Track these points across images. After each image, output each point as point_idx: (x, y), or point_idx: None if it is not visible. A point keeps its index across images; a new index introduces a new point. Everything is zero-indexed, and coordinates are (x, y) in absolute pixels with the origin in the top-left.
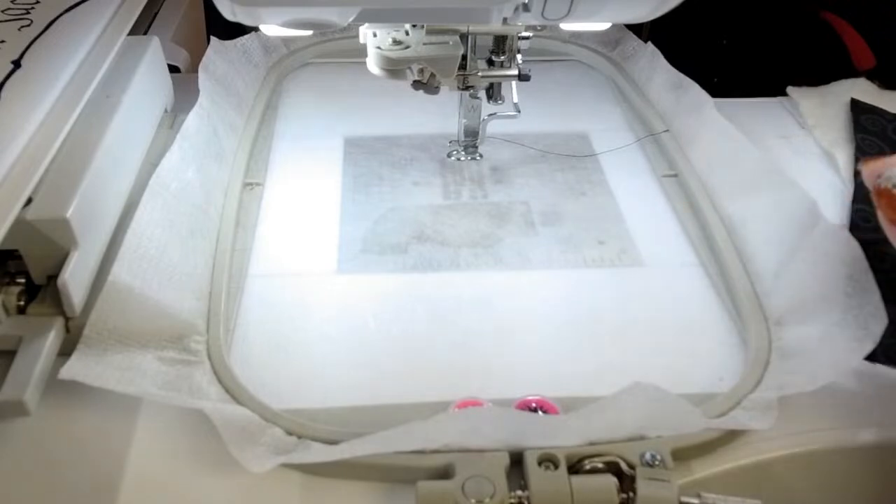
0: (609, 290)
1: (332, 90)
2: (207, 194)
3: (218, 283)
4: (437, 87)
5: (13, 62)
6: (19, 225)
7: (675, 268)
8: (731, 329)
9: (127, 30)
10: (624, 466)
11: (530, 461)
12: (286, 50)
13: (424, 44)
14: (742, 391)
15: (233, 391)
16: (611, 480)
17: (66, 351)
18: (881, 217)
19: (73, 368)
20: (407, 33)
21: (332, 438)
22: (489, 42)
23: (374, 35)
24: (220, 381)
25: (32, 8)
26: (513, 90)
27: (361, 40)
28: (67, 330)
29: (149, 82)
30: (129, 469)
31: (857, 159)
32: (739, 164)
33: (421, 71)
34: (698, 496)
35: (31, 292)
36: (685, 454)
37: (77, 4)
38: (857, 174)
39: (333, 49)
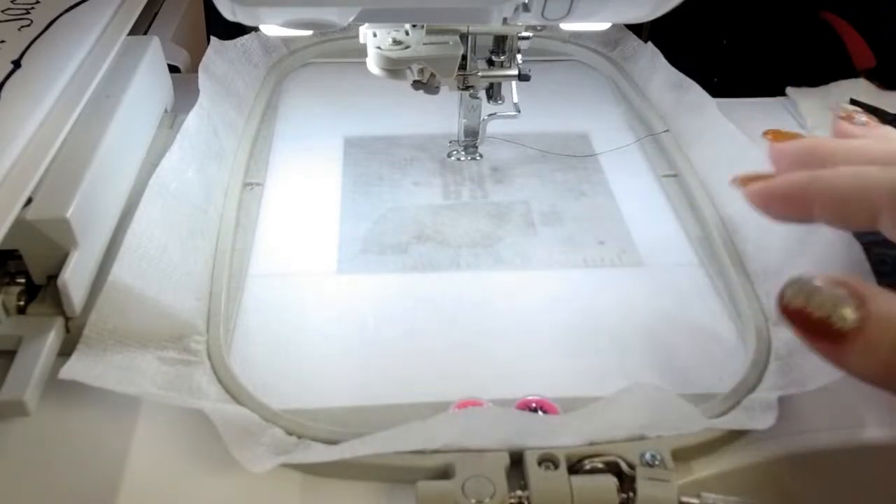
0: (609, 290)
1: (332, 90)
2: (207, 194)
3: (218, 283)
4: (437, 87)
5: (13, 62)
6: (19, 225)
7: (675, 268)
8: (731, 329)
9: (127, 30)
10: (624, 466)
11: (530, 461)
12: (286, 50)
13: (424, 44)
14: (742, 391)
15: (233, 391)
16: (611, 480)
17: (66, 351)
18: None
19: (73, 368)
20: (407, 33)
21: (332, 438)
22: (489, 42)
23: (374, 35)
24: (220, 380)
25: (32, 8)
26: (513, 90)
27: (361, 40)
28: (67, 330)
29: (149, 82)
30: (129, 469)
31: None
32: (740, 165)
33: (421, 71)
34: (698, 496)
35: (31, 292)
36: (685, 454)
37: (77, 4)
38: None
39: (333, 49)
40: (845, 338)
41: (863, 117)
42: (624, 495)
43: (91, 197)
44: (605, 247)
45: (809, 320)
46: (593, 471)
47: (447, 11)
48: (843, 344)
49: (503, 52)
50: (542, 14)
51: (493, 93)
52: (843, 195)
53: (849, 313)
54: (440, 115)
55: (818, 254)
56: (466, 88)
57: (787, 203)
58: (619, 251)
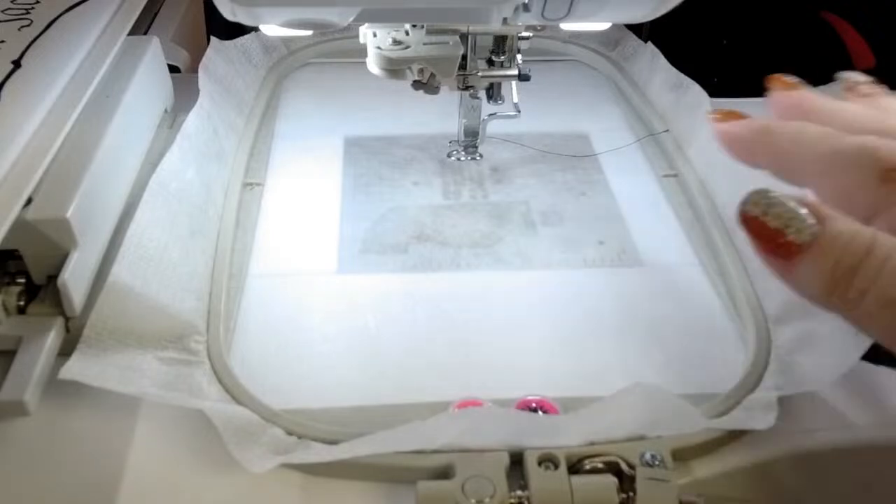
0: (609, 290)
1: (332, 90)
2: (207, 194)
3: (218, 283)
4: (437, 87)
5: (13, 62)
6: (19, 225)
7: (675, 268)
8: (731, 329)
9: (127, 30)
10: (624, 466)
11: (530, 461)
12: (286, 50)
13: (424, 44)
14: (742, 391)
15: (233, 391)
16: (611, 480)
17: (66, 351)
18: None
19: (73, 368)
20: (407, 33)
21: (332, 438)
22: (489, 42)
23: (374, 35)
24: (220, 380)
25: (32, 8)
26: (513, 90)
27: (361, 40)
28: (67, 330)
29: (149, 82)
30: (129, 469)
31: None
32: (739, 164)
33: (421, 71)
34: (698, 496)
35: (31, 292)
36: (685, 454)
37: (77, 4)
38: None
39: (333, 49)
40: (797, 249)
41: (866, 88)
42: (624, 495)
43: (91, 197)
44: (605, 247)
45: (764, 228)
46: (593, 471)
47: (447, 11)
48: (793, 257)
49: (503, 52)
50: (542, 14)
51: (493, 93)
52: (782, 150)
53: (805, 227)
54: (440, 115)
55: None
56: (466, 88)
57: (742, 148)
58: (619, 251)
